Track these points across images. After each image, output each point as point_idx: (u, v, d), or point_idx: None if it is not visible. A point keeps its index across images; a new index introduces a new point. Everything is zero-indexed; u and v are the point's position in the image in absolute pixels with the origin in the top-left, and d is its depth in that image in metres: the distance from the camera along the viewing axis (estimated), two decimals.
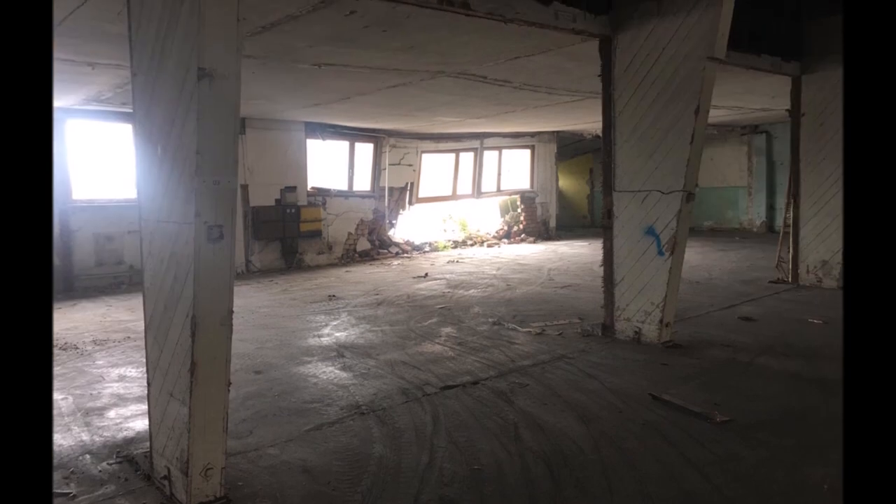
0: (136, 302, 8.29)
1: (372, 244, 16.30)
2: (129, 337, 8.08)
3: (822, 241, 10.26)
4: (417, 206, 17.67)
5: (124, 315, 9.57)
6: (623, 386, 5.82)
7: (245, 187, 13.60)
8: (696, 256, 14.23)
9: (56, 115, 11.09)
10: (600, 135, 7.77)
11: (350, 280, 12.67)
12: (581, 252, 16.29)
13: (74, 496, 3.97)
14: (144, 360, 4.28)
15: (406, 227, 17.51)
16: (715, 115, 15.05)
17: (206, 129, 3.49)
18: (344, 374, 6.36)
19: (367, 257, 15.94)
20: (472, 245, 18.37)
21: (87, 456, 4.56)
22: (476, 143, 18.34)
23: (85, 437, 4.91)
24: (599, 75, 7.46)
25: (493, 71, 8.95)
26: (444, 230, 18.74)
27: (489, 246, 18.18)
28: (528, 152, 19.97)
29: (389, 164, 16.59)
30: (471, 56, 8.01)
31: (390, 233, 16.91)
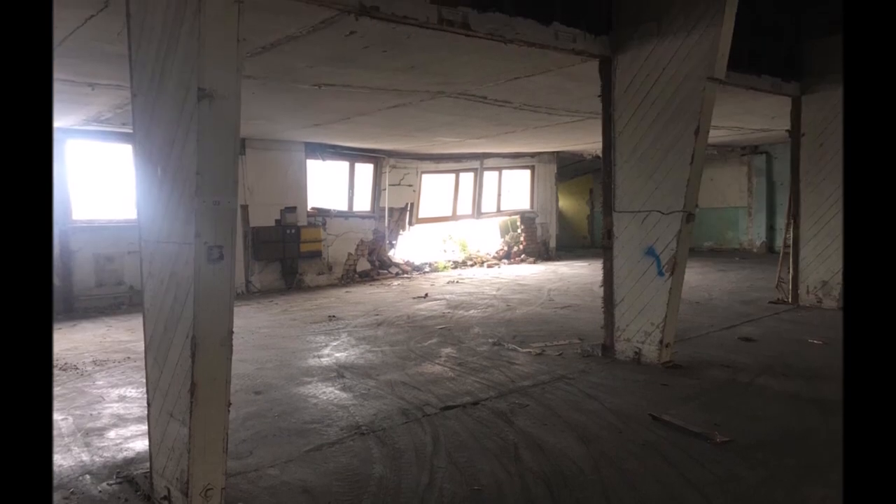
0: (136, 322, 8.30)
1: (372, 264, 16.29)
2: (129, 357, 8.05)
3: (822, 262, 10.24)
4: (417, 227, 17.67)
5: (124, 335, 9.55)
6: (623, 406, 5.80)
7: (245, 207, 13.62)
8: (696, 277, 14.22)
9: (56, 136, 11.14)
10: (600, 155, 7.78)
11: (350, 300, 12.66)
12: (581, 272, 16.28)
13: None
14: (144, 381, 4.27)
15: (406, 247, 17.49)
16: (715, 136, 15.11)
17: (206, 150, 3.50)
18: (344, 395, 6.34)
19: (367, 278, 15.92)
20: (472, 265, 18.36)
21: (87, 476, 4.54)
22: (476, 164, 18.39)
23: (85, 457, 4.88)
24: (599, 95, 7.49)
25: (493, 91, 9.00)
26: (444, 251, 18.73)
27: (489, 266, 18.17)
28: (528, 173, 20.02)
29: (389, 185, 16.63)
30: (471, 76, 8.05)
31: (390, 253, 16.90)
